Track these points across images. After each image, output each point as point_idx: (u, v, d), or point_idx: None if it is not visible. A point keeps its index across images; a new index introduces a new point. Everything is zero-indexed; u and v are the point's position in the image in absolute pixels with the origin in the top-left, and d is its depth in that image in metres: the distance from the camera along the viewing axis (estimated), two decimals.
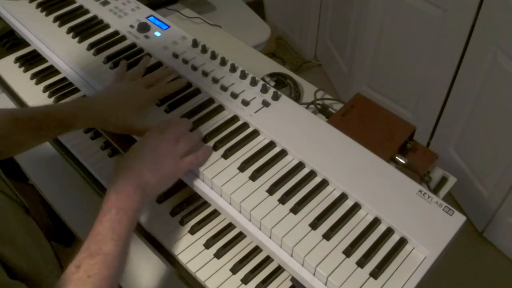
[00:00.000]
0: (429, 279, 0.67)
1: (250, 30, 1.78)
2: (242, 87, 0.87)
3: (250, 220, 0.72)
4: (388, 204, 0.71)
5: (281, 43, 2.69)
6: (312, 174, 0.75)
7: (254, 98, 0.85)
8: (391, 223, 0.69)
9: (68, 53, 0.98)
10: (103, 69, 0.94)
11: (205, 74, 0.90)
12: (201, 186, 0.76)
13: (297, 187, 0.73)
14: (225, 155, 0.77)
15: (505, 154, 1.57)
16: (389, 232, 0.69)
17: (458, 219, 0.70)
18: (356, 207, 0.72)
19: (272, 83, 1.10)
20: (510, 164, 1.56)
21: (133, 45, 0.99)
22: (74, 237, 1.41)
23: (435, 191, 0.87)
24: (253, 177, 0.74)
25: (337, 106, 1.00)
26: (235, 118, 0.83)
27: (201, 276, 0.78)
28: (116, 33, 1.02)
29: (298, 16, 2.48)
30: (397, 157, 0.85)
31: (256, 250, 0.81)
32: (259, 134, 0.81)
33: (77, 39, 1.00)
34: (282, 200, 0.72)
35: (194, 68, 0.91)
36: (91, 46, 0.98)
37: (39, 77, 1.12)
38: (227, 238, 0.83)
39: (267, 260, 0.80)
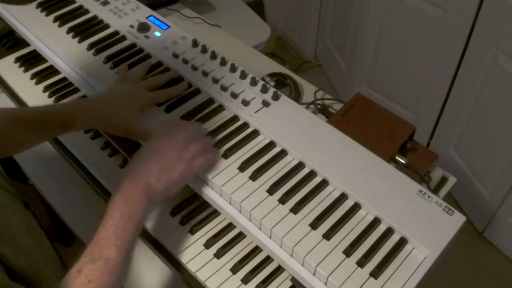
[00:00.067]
0: (429, 279, 0.67)
1: (250, 30, 1.78)
2: (242, 87, 0.87)
3: (250, 220, 0.72)
4: (388, 204, 0.71)
5: (281, 43, 2.69)
6: (312, 174, 0.75)
7: (254, 98, 0.85)
8: (391, 223, 0.69)
9: (68, 53, 0.98)
10: (103, 69, 0.94)
11: (205, 74, 0.90)
12: (201, 186, 0.76)
13: (297, 187, 0.73)
14: (225, 155, 0.77)
15: (505, 154, 1.57)
16: (389, 232, 0.69)
17: (458, 219, 0.70)
18: (356, 207, 0.72)
19: (272, 83, 1.10)
20: (510, 164, 1.56)
21: (133, 45, 0.99)
22: (74, 237, 1.41)
23: (435, 191, 0.87)
24: (253, 177, 0.74)
25: (337, 106, 1.00)
26: (235, 118, 0.83)
27: (201, 276, 0.78)
28: (116, 33, 1.02)
29: (298, 16, 2.48)
30: (397, 157, 0.85)
31: (256, 250, 0.81)
32: (259, 134, 0.81)
33: (77, 39, 1.00)
34: (282, 200, 0.72)
35: (194, 68, 0.91)
36: (91, 46, 0.98)
37: (39, 77, 1.12)
38: (227, 238, 0.83)
39: (267, 260, 0.80)
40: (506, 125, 1.53)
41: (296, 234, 0.68)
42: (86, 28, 1.03)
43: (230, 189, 0.73)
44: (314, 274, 0.66)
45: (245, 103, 0.84)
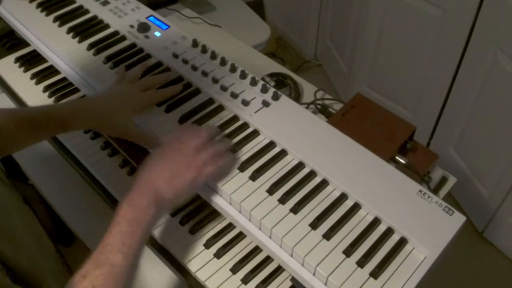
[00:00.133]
0: (429, 279, 0.67)
1: (250, 30, 1.78)
2: (242, 87, 0.87)
3: (250, 220, 0.72)
4: (388, 204, 0.71)
5: (281, 43, 2.69)
6: (312, 174, 0.75)
7: (254, 98, 0.85)
8: (391, 223, 0.69)
9: (68, 53, 0.98)
10: (103, 69, 0.94)
11: (205, 74, 0.90)
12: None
13: (297, 187, 0.73)
14: None
15: (505, 154, 1.57)
16: (389, 232, 0.69)
17: (458, 219, 0.70)
18: (356, 207, 0.72)
19: (272, 83, 1.10)
20: (510, 164, 1.56)
21: (133, 45, 0.99)
22: (74, 237, 1.41)
23: (435, 191, 0.87)
24: (253, 177, 0.74)
25: (337, 106, 1.00)
26: (235, 118, 0.83)
27: (201, 276, 0.78)
28: (116, 33, 1.02)
29: (298, 16, 2.48)
30: (397, 157, 0.85)
31: (256, 250, 0.81)
32: (259, 134, 0.81)
33: (77, 39, 1.00)
34: (282, 200, 0.72)
35: (194, 68, 0.91)
36: (91, 46, 0.98)
37: (39, 77, 1.12)
38: (227, 238, 0.83)
39: (267, 260, 0.80)
40: (506, 125, 1.53)
41: (296, 234, 0.68)
42: (86, 28, 1.03)
43: (230, 189, 0.73)
44: (314, 274, 0.66)
45: (245, 103, 0.84)
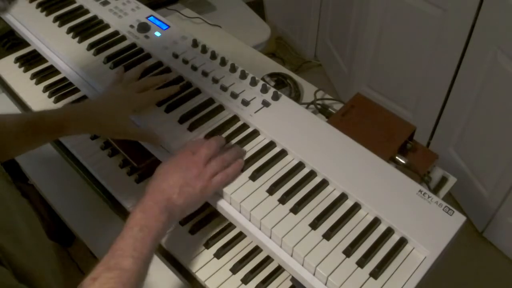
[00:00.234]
0: (429, 279, 0.67)
1: (250, 30, 1.78)
2: (242, 87, 0.87)
3: (250, 220, 0.72)
4: (388, 204, 0.71)
5: (281, 43, 2.69)
6: (312, 174, 0.75)
7: (254, 98, 0.85)
8: (391, 223, 0.69)
9: (68, 53, 0.98)
10: (103, 69, 0.94)
11: (205, 74, 0.90)
12: None
13: (297, 187, 0.73)
14: None
15: (505, 154, 1.57)
16: (389, 232, 0.69)
17: (458, 219, 0.70)
18: (356, 207, 0.72)
19: (272, 83, 1.10)
20: (510, 164, 1.56)
21: (133, 45, 0.99)
22: (74, 237, 1.41)
23: (435, 191, 0.87)
24: (253, 177, 0.74)
25: (337, 106, 1.00)
26: (235, 118, 0.83)
27: (201, 276, 0.78)
28: (116, 33, 1.02)
29: (298, 16, 2.48)
30: (397, 157, 0.85)
31: (256, 250, 0.81)
32: (259, 134, 0.81)
33: (77, 39, 1.00)
34: (282, 200, 0.72)
35: (194, 68, 0.91)
36: (91, 46, 0.98)
37: (39, 77, 1.12)
38: (227, 238, 0.83)
39: (267, 260, 0.80)
40: (506, 125, 1.53)
41: (296, 234, 0.68)
42: (86, 28, 1.03)
43: (230, 189, 0.73)
44: (314, 274, 0.66)
45: (245, 103, 0.84)
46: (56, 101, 1.07)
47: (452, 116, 1.78)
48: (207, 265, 0.79)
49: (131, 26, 1.02)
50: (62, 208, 0.98)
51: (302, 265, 0.67)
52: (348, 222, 0.70)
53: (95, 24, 1.04)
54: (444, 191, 0.88)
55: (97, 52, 0.97)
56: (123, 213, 0.88)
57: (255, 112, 0.83)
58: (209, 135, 0.80)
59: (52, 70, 1.13)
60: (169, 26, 1.01)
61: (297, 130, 0.80)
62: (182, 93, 0.88)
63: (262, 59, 1.23)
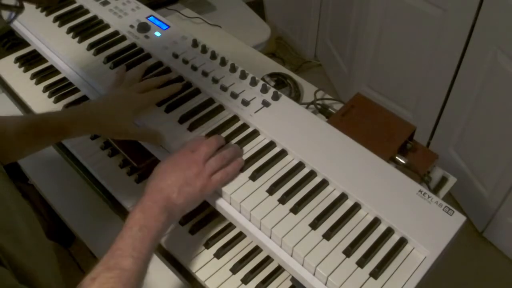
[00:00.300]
0: (429, 279, 0.67)
1: (250, 30, 1.78)
2: (242, 87, 0.87)
3: (250, 220, 0.72)
4: (388, 204, 0.71)
5: (281, 43, 2.69)
6: (312, 174, 0.75)
7: (254, 98, 0.85)
8: (391, 223, 0.69)
9: (68, 53, 0.98)
10: (103, 69, 0.94)
11: (205, 74, 0.90)
12: None
13: (297, 187, 0.73)
14: None
15: (505, 154, 1.57)
16: (389, 232, 0.69)
17: (458, 219, 0.70)
18: (356, 207, 0.72)
19: (272, 83, 1.10)
20: (510, 164, 1.56)
21: (133, 45, 0.99)
22: (74, 237, 1.41)
23: (435, 191, 0.87)
24: (253, 177, 0.74)
25: (337, 106, 1.00)
26: (235, 118, 0.83)
27: (201, 276, 0.78)
28: (116, 33, 1.02)
29: (298, 16, 2.48)
30: (397, 157, 0.85)
31: (256, 250, 0.81)
32: (259, 134, 0.81)
33: (77, 39, 1.00)
34: (282, 200, 0.72)
35: (194, 68, 0.91)
36: (91, 46, 0.98)
37: (39, 77, 1.12)
38: (227, 238, 0.83)
39: (267, 260, 0.80)
40: (506, 125, 1.53)
41: (296, 234, 0.68)
42: (86, 28, 1.03)
43: (230, 189, 0.73)
44: (314, 274, 0.66)
45: (245, 103, 0.84)
46: (56, 101, 1.07)
47: (452, 116, 1.78)
48: (207, 265, 0.79)
49: (131, 26, 1.02)
50: (62, 208, 0.98)
51: (302, 265, 0.67)
52: (348, 222, 0.70)
53: (95, 24, 1.04)
54: (444, 191, 0.88)
55: (97, 52, 0.97)
56: (123, 213, 0.88)
57: (255, 112, 0.83)
58: (209, 135, 0.80)
59: (52, 70, 1.13)
60: (169, 26, 1.01)
61: (297, 130, 0.80)
62: (182, 93, 0.88)
63: (262, 59, 1.22)
